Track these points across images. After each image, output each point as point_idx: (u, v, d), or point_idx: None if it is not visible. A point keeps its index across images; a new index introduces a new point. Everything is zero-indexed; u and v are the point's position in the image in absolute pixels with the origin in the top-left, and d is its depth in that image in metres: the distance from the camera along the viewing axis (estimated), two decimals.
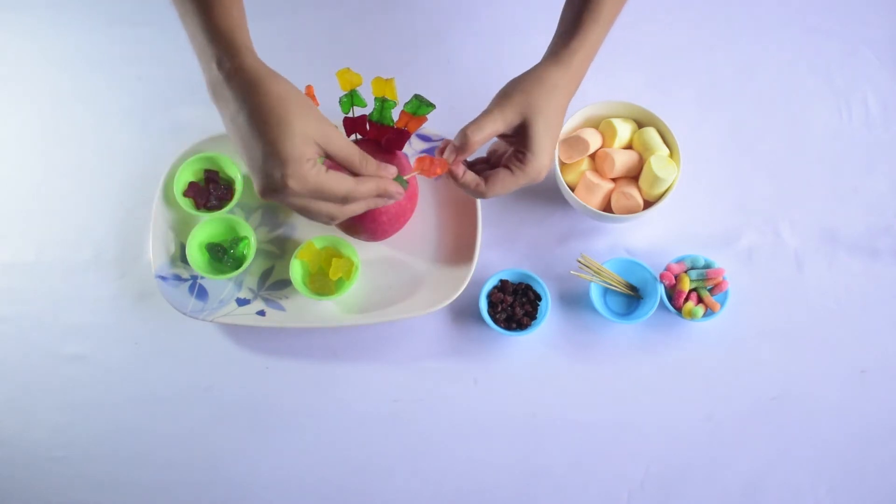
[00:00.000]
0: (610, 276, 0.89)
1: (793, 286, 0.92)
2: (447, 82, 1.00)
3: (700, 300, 0.88)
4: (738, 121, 0.98)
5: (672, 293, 0.89)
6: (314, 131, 0.64)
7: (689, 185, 0.93)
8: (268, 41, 1.03)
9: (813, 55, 1.01)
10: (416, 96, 0.78)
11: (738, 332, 0.90)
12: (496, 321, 0.88)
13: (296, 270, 0.88)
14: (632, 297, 0.91)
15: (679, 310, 0.88)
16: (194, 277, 0.90)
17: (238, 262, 0.90)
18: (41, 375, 0.91)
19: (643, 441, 0.87)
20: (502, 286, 0.90)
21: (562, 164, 0.90)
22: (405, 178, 0.73)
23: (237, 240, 0.90)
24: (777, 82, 1.00)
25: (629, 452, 0.87)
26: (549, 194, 0.94)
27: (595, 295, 0.89)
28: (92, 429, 0.90)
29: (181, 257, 0.91)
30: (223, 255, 0.90)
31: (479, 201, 0.90)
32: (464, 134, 0.70)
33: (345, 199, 0.66)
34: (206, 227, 0.90)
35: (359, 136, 0.82)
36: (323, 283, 0.89)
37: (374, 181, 0.68)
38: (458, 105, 0.94)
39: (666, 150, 0.88)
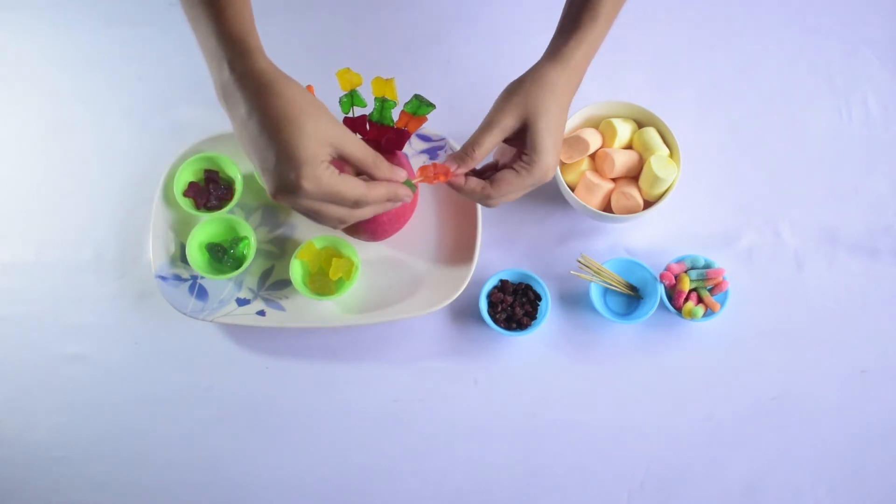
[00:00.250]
0: (610, 276, 0.89)
1: (793, 286, 0.92)
2: (447, 82, 1.00)
3: (700, 300, 0.88)
4: (738, 121, 0.98)
5: (672, 293, 0.89)
6: (328, 133, 0.64)
7: (689, 185, 0.93)
8: (268, 41, 1.03)
9: (813, 55, 1.01)
10: (416, 96, 0.78)
11: (738, 332, 0.90)
12: (496, 321, 0.88)
13: (296, 270, 0.88)
14: (632, 297, 0.91)
15: (679, 310, 0.88)
16: (194, 277, 0.90)
17: (238, 262, 0.90)
18: (41, 375, 0.91)
19: (643, 441, 0.87)
20: (502, 286, 0.90)
21: (562, 164, 0.90)
22: (413, 181, 0.72)
23: (237, 240, 0.90)
24: (777, 82, 1.00)
25: (629, 452, 0.87)
26: (549, 194, 0.94)
27: (595, 295, 0.89)
28: (92, 429, 0.90)
29: (181, 257, 0.91)
30: (223, 255, 0.90)
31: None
32: (465, 151, 0.71)
33: (356, 204, 0.66)
34: (206, 227, 0.90)
35: (359, 137, 0.81)
36: (323, 283, 0.89)
37: (386, 186, 0.68)
38: (458, 105, 0.94)
39: (666, 150, 0.88)
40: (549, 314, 0.91)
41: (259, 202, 0.94)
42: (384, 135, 0.79)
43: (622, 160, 0.87)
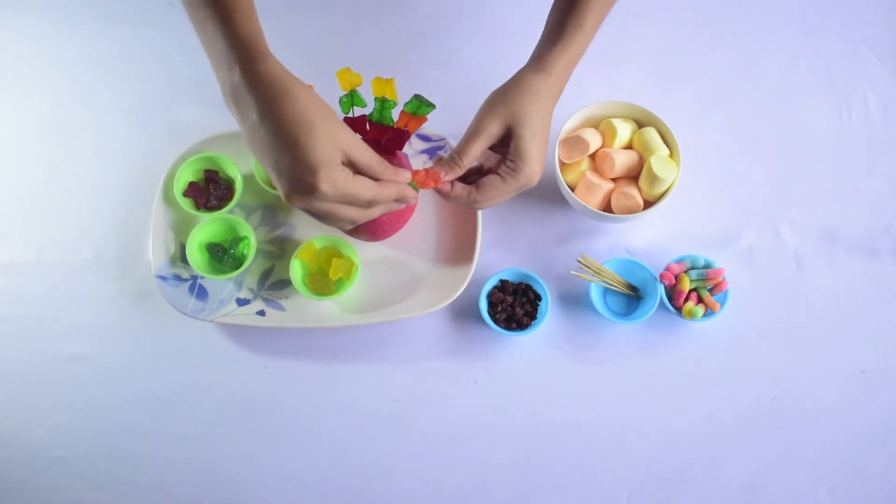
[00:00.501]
0: (610, 276, 0.89)
1: (793, 286, 0.92)
2: (447, 82, 1.00)
3: (700, 300, 0.88)
4: (738, 121, 0.98)
5: (672, 293, 0.89)
6: (339, 137, 0.64)
7: (689, 185, 0.93)
8: (268, 41, 1.03)
9: (813, 55, 1.01)
10: (416, 96, 0.78)
11: (738, 332, 0.90)
12: (496, 321, 0.88)
13: (296, 270, 0.88)
14: (632, 297, 0.91)
15: (679, 310, 0.88)
16: (194, 277, 0.90)
17: (238, 262, 0.90)
18: (41, 375, 0.91)
19: (643, 441, 0.87)
20: (502, 286, 0.90)
21: (562, 164, 0.90)
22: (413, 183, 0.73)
23: (237, 240, 0.90)
24: (777, 82, 1.00)
25: (629, 452, 0.87)
26: (549, 194, 0.94)
27: (595, 295, 0.89)
28: (92, 429, 0.90)
29: (181, 257, 0.91)
30: (223, 255, 0.90)
31: None
32: (451, 160, 0.72)
33: (368, 203, 0.67)
34: (206, 227, 0.90)
35: (359, 136, 0.81)
36: (323, 283, 0.89)
37: (395, 186, 0.69)
38: (458, 105, 0.94)
39: (666, 150, 0.88)
40: (549, 314, 0.91)
41: (259, 202, 0.94)
42: (384, 135, 0.79)
43: (622, 160, 0.87)
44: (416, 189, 0.72)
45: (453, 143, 0.92)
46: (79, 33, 1.03)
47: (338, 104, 0.80)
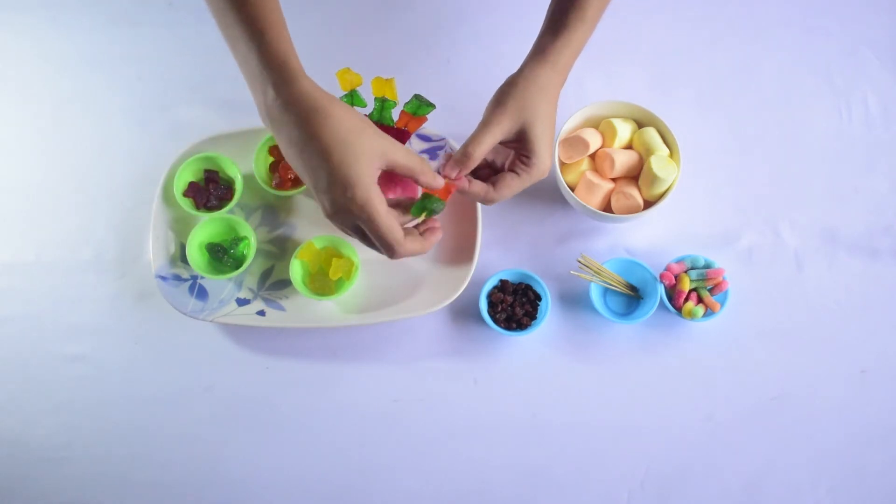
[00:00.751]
0: (610, 276, 0.89)
1: (793, 286, 0.92)
2: (447, 82, 1.00)
3: (700, 300, 0.88)
4: (738, 121, 0.98)
5: (672, 293, 0.89)
6: (376, 147, 0.66)
7: (689, 185, 0.93)
8: None
9: (813, 55, 1.01)
10: (416, 96, 0.78)
11: (738, 332, 0.90)
12: (496, 321, 0.88)
13: (296, 270, 0.88)
14: (632, 297, 0.91)
15: (679, 310, 0.88)
16: (194, 277, 0.90)
17: (238, 262, 0.90)
18: (41, 375, 0.91)
19: (643, 441, 0.87)
20: (502, 286, 0.90)
21: (562, 164, 0.90)
22: (443, 200, 0.73)
23: (237, 240, 0.90)
24: (777, 82, 1.00)
25: (629, 452, 0.87)
26: (549, 194, 0.94)
27: (595, 295, 0.89)
28: (92, 429, 0.90)
29: (181, 257, 0.91)
30: (223, 255, 0.90)
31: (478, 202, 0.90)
32: (464, 151, 0.72)
33: (387, 248, 0.68)
34: (206, 227, 0.90)
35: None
36: (323, 283, 0.89)
37: (420, 244, 0.70)
38: (458, 105, 0.94)
39: (666, 150, 0.88)
40: (549, 314, 0.91)
41: (259, 202, 0.94)
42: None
43: (622, 160, 0.87)
44: (442, 206, 0.72)
45: (453, 142, 0.92)
46: (79, 33, 1.03)
47: None
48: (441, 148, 0.93)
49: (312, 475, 0.88)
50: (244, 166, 0.93)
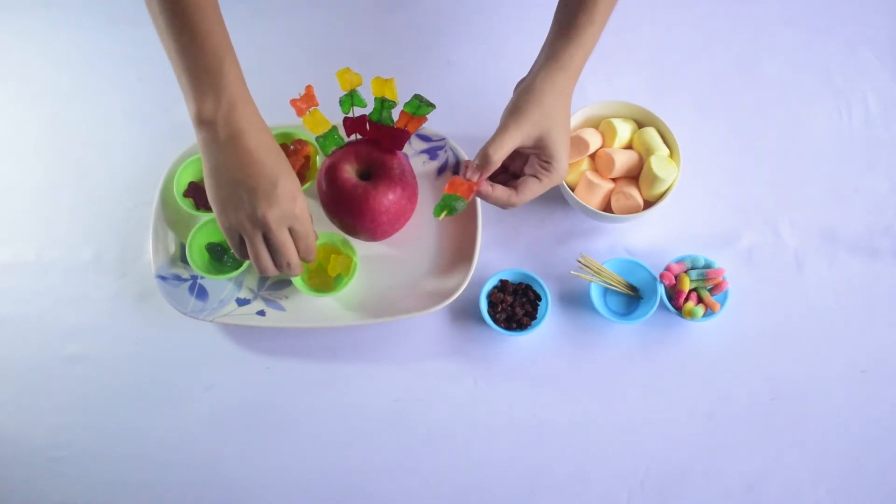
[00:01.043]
0: (610, 276, 0.89)
1: (793, 286, 0.92)
2: (447, 82, 1.00)
3: (700, 300, 0.88)
4: (738, 121, 0.98)
5: (672, 293, 0.89)
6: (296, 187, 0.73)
7: (689, 185, 0.93)
8: (268, 41, 1.03)
9: (813, 55, 1.01)
10: (416, 96, 0.78)
11: (738, 332, 0.90)
12: (496, 321, 0.88)
13: None
14: (632, 297, 0.91)
15: (679, 310, 0.88)
16: (194, 277, 0.90)
17: (238, 262, 0.90)
18: (41, 375, 0.91)
19: (643, 441, 0.87)
20: (502, 286, 0.90)
21: None
22: (465, 199, 0.74)
23: None
24: (777, 82, 1.00)
25: (629, 452, 0.87)
26: (549, 194, 0.94)
27: (595, 295, 0.89)
28: (92, 429, 0.90)
29: (181, 257, 0.91)
30: (223, 255, 0.90)
31: (479, 201, 0.90)
32: (485, 153, 0.72)
33: (306, 253, 0.76)
34: (206, 227, 0.90)
35: (359, 136, 0.82)
36: (322, 280, 0.89)
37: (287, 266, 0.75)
38: (458, 105, 0.94)
39: (666, 150, 0.88)
40: (549, 314, 0.91)
41: None
42: (384, 135, 0.79)
43: (622, 160, 0.87)
44: (464, 204, 0.74)
45: (453, 143, 0.92)
46: (79, 33, 1.03)
47: (338, 104, 0.81)
48: (441, 148, 0.93)
49: (312, 475, 0.88)
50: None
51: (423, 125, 0.81)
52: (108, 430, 0.90)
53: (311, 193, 0.92)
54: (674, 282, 0.88)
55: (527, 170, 0.77)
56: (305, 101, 0.79)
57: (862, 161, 0.96)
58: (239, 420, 0.89)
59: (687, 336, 0.90)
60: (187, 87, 0.69)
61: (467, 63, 1.01)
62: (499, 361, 0.90)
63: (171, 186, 0.92)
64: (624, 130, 0.89)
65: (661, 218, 0.94)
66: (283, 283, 0.90)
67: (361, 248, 0.91)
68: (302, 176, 0.91)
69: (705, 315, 0.87)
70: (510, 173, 0.80)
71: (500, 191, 0.75)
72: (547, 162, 0.74)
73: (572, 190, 0.89)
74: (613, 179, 0.89)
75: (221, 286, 0.90)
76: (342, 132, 0.84)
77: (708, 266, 0.89)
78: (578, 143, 0.87)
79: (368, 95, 0.80)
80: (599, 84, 0.99)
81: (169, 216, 0.92)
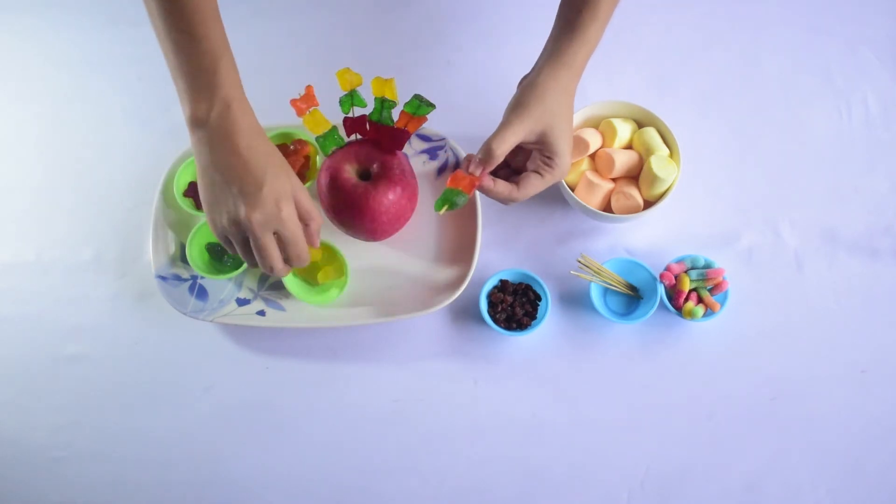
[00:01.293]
0: (610, 276, 0.89)
1: (793, 286, 0.92)
2: (447, 82, 1.00)
3: (700, 300, 0.88)
4: (738, 121, 0.98)
5: (672, 293, 0.89)
6: (293, 180, 0.72)
7: (689, 185, 0.93)
8: (268, 41, 1.03)
9: (813, 55, 1.01)
10: (416, 96, 0.78)
11: (738, 332, 0.90)
12: (496, 321, 0.88)
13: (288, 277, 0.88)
14: (632, 297, 0.91)
15: (679, 310, 0.88)
16: (194, 277, 0.90)
17: (238, 262, 0.90)
18: (41, 375, 0.91)
19: (643, 441, 0.87)
20: (502, 286, 0.90)
21: None
22: (466, 194, 0.74)
23: None
24: (777, 82, 1.00)
25: (629, 452, 0.87)
26: (549, 194, 0.94)
27: (595, 295, 0.89)
28: (92, 429, 0.90)
29: (181, 257, 0.91)
30: (223, 255, 0.90)
31: (479, 201, 0.90)
32: (488, 147, 0.72)
33: (297, 258, 0.73)
34: (206, 227, 0.90)
35: (359, 136, 0.82)
36: (314, 286, 0.89)
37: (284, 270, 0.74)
38: (458, 105, 0.94)
39: (666, 150, 0.88)
40: (549, 314, 0.91)
41: None
42: (384, 135, 0.79)
43: (622, 160, 0.87)
44: (465, 199, 0.73)
45: (454, 143, 0.92)
46: (79, 33, 1.03)
47: (338, 104, 0.81)
48: (441, 148, 0.93)
49: (312, 475, 0.88)
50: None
51: (423, 125, 0.81)
52: (108, 430, 0.90)
53: (312, 193, 0.92)
54: (674, 282, 0.88)
55: (529, 165, 0.77)
56: (305, 101, 0.79)
57: (862, 161, 0.96)
58: (239, 420, 0.89)
59: (687, 336, 0.90)
60: (182, 89, 0.69)
61: (467, 63, 1.01)
62: (499, 361, 0.90)
63: (171, 186, 0.92)
64: (624, 130, 0.89)
65: (661, 218, 0.94)
66: (283, 284, 0.90)
67: (361, 248, 0.91)
68: (302, 176, 0.91)
69: (705, 315, 0.87)
70: (512, 169, 0.80)
71: (502, 186, 0.75)
72: (549, 157, 0.74)
73: (572, 190, 0.89)
74: (613, 179, 0.89)
75: (221, 286, 0.90)
76: (342, 132, 0.84)
77: (708, 266, 0.89)
78: (578, 143, 0.87)
79: (368, 95, 0.80)
80: (599, 84, 0.99)
81: (169, 216, 0.92)
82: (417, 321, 0.91)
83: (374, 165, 0.81)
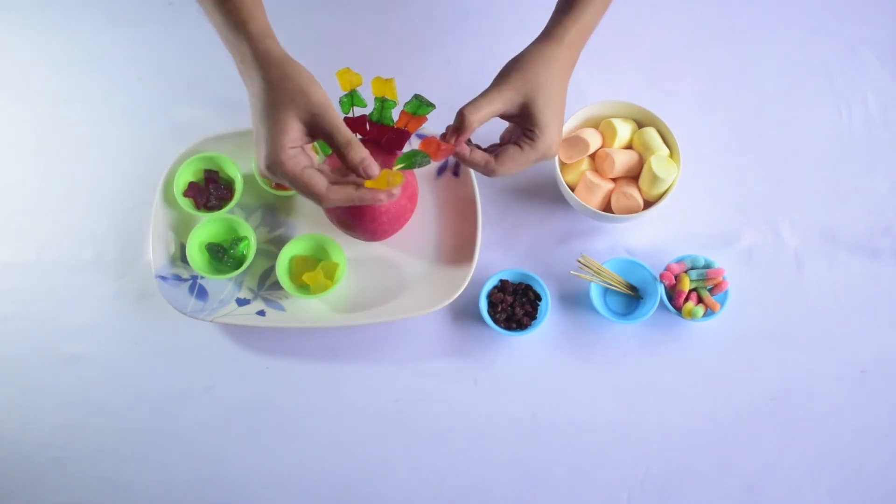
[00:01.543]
0: (610, 276, 0.89)
1: (793, 286, 0.92)
2: (447, 82, 1.00)
3: (700, 300, 0.88)
4: (738, 121, 0.98)
5: (672, 293, 0.89)
6: (305, 111, 0.67)
7: (689, 185, 0.93)
8: None
9: (813, 55, 1.01)
10: (416, 96, 0.78)
11: (738, 332, 0.90)
12: (496, 321, 0.88)
13: (283, 271, 0.88)
14: (632, 297, 0.91)
15: (679, 310, 0.88)
16: (194, 277, 0.90)
17: (238, 262, 0.90)
18: (41, 375, 0.91)
19: (643, 441, 0.87)
20: (502, 286, 0.90)
21: (562, 164, 0.90)
22: (431, 157, 0.72)
23: (237, 240, 0.90)
24: (777, 82, 1.00)
25: (629, 452, 0.87)
26: (549, 194, 0.94)
27: (595, 295, 0.89)
28: (92, 429, 0.90)
29: (181, 257, 0.91)
30: (223, 255, 0.90)
31: (479, 201, 0.90)
32: (461, 114, 0.71)
33: (318, 198, 0.68)
34: (206, 227, 0.90)
35: (359, 136, 0.81)
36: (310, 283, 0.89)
37: (346, 192, 0.68)
38: (458, 105, 0.93)
39: (666, 150, 0.88)
40: (549, 314, 0.91)
41: (259, 202, 0.94)
42: (384, 135, 0.79)
43: (622, 160, 0.87)
44: (400, 179, 0.69)
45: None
46: (79, 33, 1.03)
47: (338, 104, 0.81)
48: None
49: (312, 475, 0.88)
50: (244, 166, 0.93)
51: (423, 125, 0.81)
52: (108, 430, 0.90)
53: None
54: (674, 282, 0.88)
55: (511, 138, 0.75)
56: None
57: (862, 161, 0.96)
58: (239, 420, 0.89)
59: (687, 336, 0.90)
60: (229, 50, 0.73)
61: (467, 63, 1.01)
62: (499, 361, 0.90)
63: (171, 186, 0.92)
64: (624, 130, 0.89)
65: (661, 218, 0.94)
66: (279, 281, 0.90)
67: (361, 247, 0.91)
68: None
69: (705, 315, 0.87)
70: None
71: (479, 155, 0.73)
72: (530, 130, 0.72)
73: (572, 190, 0.89)
74: (613, 179, 0.89)
75: (221, 286, 0.90)
76: None
77: (708, 266, 0.89)
78: (578, 143, 0.87)
79: (368, 95, 0.79)
80: (599, 84, 0.99)
81: (169, 216, 0.92)
82: (417, 321, 0.91)
83: None
